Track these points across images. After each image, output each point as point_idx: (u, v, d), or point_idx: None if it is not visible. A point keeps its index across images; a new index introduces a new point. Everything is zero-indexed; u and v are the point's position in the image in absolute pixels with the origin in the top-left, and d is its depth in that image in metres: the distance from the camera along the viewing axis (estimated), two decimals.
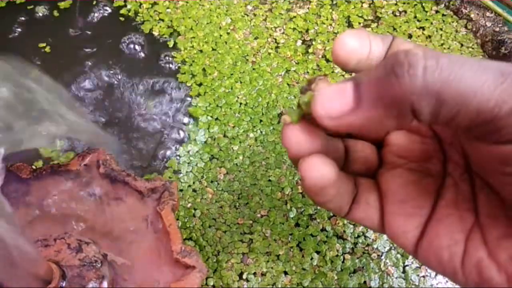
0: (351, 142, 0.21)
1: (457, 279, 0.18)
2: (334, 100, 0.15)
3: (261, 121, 0.41)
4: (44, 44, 0.45)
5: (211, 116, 0.41)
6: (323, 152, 0.18)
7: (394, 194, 0.19)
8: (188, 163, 0.39)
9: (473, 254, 0.17)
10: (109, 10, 0.47)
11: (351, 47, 0.18)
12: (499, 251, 0.17)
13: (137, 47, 0.45)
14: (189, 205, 0.37)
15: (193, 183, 0.38)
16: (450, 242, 0.18)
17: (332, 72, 0.44)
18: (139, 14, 0.47)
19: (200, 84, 0.43)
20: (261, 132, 0.41)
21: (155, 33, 0.46)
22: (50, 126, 0.24)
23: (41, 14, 0.46)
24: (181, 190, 0.38)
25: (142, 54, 0.45)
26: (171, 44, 0.45)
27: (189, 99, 0.42)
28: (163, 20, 0.47)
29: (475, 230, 0.18)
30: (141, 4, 0.47)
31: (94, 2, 0.47)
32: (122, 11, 0.47)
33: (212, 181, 0.38)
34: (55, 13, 0.46)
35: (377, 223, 0.20)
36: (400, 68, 0.14)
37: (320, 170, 0.17)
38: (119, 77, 0.43)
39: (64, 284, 0.28)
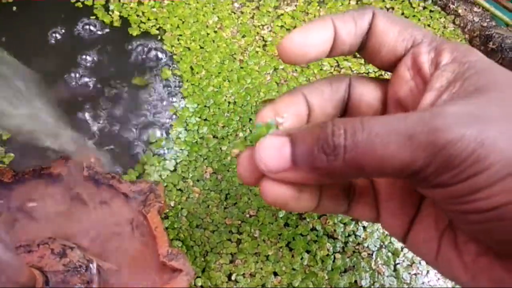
0: None
1: (437, 270, 0.20)
2: (273, 157, 0.17)
3: (250, 119, 0.41)
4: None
5: (200, 117, 0.41)
6: None
7: (387, 197, 0.21)
8: (174, 159, 0.39)
9: (444, 253, 0.19)
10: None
11: (296, 49, 0.19)
12: (466, 252, 0.18)
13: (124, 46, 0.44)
14: (172, 203, 0.37)
15: (178, 182, 0.38)
16: (426, 238, 0.19)
17: (321, 69, 0.44)
18: (124, 15, 0.46)
19: (187, 81, 0.43)
20: (250, 131, 0.40)
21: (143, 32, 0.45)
22: None
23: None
24: (168, 190, 0.37)
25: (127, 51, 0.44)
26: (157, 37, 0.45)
27: (179, 99, 0.42)
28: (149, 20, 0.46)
29: (448, 231, 0.19)
30: (123, 4, 0.47)
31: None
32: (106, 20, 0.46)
33: (198, 180, 0.38)
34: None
35: (373, 219, 0.22)
36: (327, 147, 0.16)
37: (273, 192, 0.18)
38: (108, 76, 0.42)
39: None
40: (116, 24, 0.45)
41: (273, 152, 0.17)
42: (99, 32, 0.45)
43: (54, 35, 0.44)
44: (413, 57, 0.19)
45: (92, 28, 0.45)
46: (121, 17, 0.46)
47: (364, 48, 0.20)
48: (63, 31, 0.45)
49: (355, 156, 0.16)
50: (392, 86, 0.20)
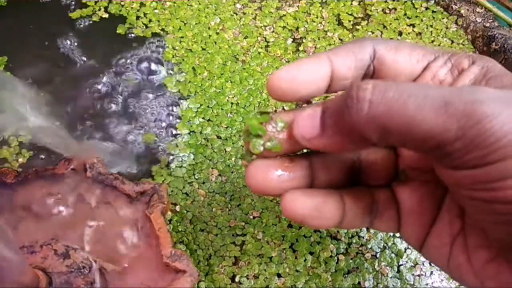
0: (363, 155, 0.21)
1: (449, 275, 0.20)
2: (306, 124, 0.18)
3: None
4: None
5: (203, 118, 0.41)
6: (290, 181, 0.19)
7: (409, 209, 0.21)
8: (180, 166, 0.38)
9: (455, 258, 0.19)
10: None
11: (284, 85, 0.19)
12: (475, 258, 0.18)
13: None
14: (178, 207, 0.36)
15: (183, 187, 0.37)
16: (439, 244, 0.19)
17: None
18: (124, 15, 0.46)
19: (189, 82, 0.43)
20: None
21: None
22: None
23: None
24: (171, 194, 0.37)
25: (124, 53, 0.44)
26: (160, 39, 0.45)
27: (180, 101, 0.42)
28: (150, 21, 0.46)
29: (460, 236, 0.19)
30: (123, 5, 0.47)
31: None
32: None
33: (204, 183, 0.38)
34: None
35: (394, 230, 0.22)
36: (350, 101, 0.15)
37: (292, 206, 0.19)
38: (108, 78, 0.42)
39: None
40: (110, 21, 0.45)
41: (307, 120, 0.18)
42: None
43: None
44: (433, 72, 0.19)
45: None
46: (120, 15, 0.46)
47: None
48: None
49: (381, 113, 0.15)
50: None
